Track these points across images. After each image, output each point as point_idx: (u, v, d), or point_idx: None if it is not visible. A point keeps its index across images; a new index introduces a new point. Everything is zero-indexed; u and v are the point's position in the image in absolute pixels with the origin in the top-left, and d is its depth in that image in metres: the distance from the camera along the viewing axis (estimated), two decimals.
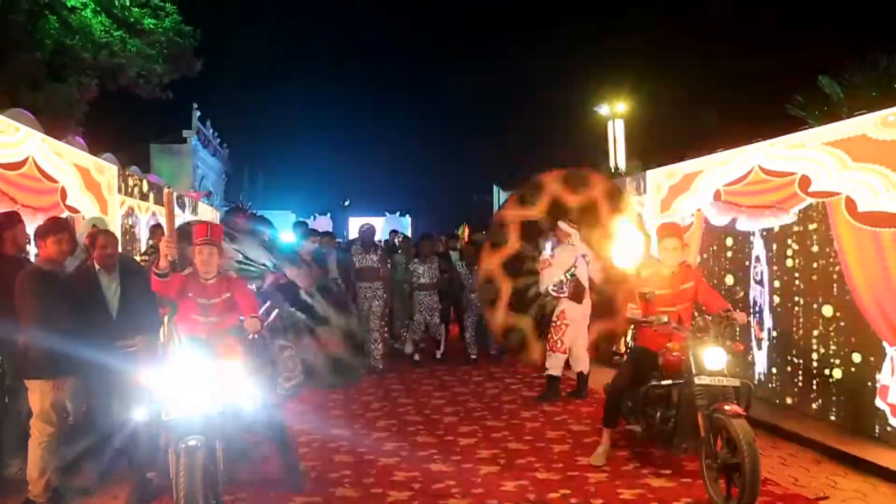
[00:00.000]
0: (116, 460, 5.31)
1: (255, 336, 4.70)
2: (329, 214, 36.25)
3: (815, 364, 6.26)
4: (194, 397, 4.12)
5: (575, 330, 7.57)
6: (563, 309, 7.59)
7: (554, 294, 7.57)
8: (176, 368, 4.28)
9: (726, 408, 4.43)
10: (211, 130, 38.11)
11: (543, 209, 8.98)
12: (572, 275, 7.50)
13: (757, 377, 6.95)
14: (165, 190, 4.77)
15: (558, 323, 7.61)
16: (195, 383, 4.16)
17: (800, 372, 6.45)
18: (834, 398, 6.05)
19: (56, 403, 4.66)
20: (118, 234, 8.14)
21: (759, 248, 6.99)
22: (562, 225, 7.74)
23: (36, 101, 13.19)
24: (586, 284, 7.60)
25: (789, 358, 6.58)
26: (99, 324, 4.98)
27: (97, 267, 5.12)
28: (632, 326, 7.38)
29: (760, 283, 6.98)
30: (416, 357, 10.06)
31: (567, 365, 7.76)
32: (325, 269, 8.42)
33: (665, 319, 4.99)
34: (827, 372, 6.12)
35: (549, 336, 7.69)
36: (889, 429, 5.49)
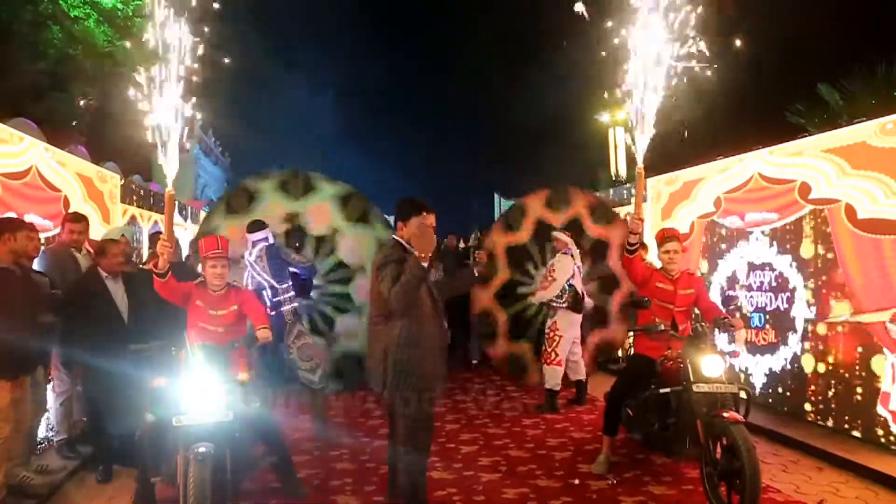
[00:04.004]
0: (121, 465, 5.34)
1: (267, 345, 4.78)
2: None
3: (816, 371, 6.27)
4: (206, 404, 4.14)
5: (568, 340, 7.56)
6: (555, 320, 7.60)
7: (557, 304, 7.55)
8: (188, 375, 4.30)
9: (725, 415, 4.43)
10: (213, 139, 38.24)
11: (529, 232, 9.06)
12: (570, 285, 7.49)
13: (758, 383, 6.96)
14: (167, 191, 4.78)
15: (550, 335, 7.62)
16: (207, 391, 4.18)
17: (802, 379, 6.46)
18: (835, 405, 6.05)
19: (15, 401, 4.68)
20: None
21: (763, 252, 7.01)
22: (557, 235, 7.79)
23: (39, 111, 13.23)
24: (583, 293, 7.62)
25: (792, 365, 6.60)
26: (110, 328, 5.21)
27: (104, 274, 5.39)
28: (631, 335, 7.39)
29: (760, 288, 6.99)
30: None
31: (566, 375, 7.76)
32: None
33: (662, 328, 5.00)
34: (829, 379, 6.13)
35: (544, 349, 7.69)
36: (891, 436, 5.49)
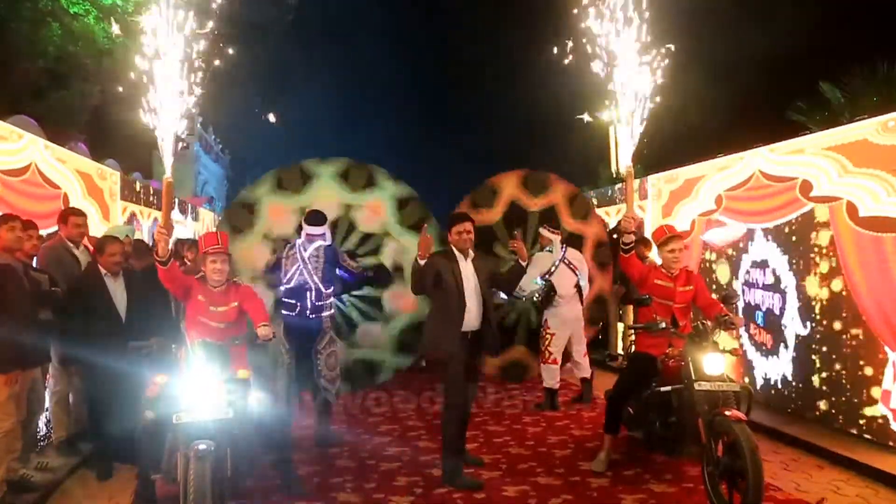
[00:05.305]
0: (121, 462, 5.34)
1: (268, 342, 4.74)
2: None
3: (817, 369, 6.27)
4: (206, 402, 4.13)
5: (562, 338, 7.50)
6: (545, 319, 7.55)
7: (521, 297, 7.45)
8: (189, 372, 4.30)
9: (727, 413, 4.42)
10: (212, 136, 38.24)
11: (500, 212, 8.78)
12: (546, 280, 7.40)
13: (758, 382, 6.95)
14: (165, 178, 4.73)
15: (543, 333, 7.57)
16: (207, 388, 4.18)
17: (802, 376, 6.46)
18: (836, 403, 6.05)
19: (14, 397, 4.67)
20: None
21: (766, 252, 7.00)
22: (543, 231, 7.65)
23: (39, 108, 13.21)
24: (568, 291, 7.46)
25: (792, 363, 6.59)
26: (108, 326, 5.21)
27: (103, 271, 5.38)
28: (632, 333, 7.36)
29: (764, 287, 6.98)
30: (423, 363, 10.07)
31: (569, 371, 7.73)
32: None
33: (663, 325, 4.98)
34: (829, 377, 6.12)
35: (540, 349, 7.61)
36: (891, 434, 5.48)
